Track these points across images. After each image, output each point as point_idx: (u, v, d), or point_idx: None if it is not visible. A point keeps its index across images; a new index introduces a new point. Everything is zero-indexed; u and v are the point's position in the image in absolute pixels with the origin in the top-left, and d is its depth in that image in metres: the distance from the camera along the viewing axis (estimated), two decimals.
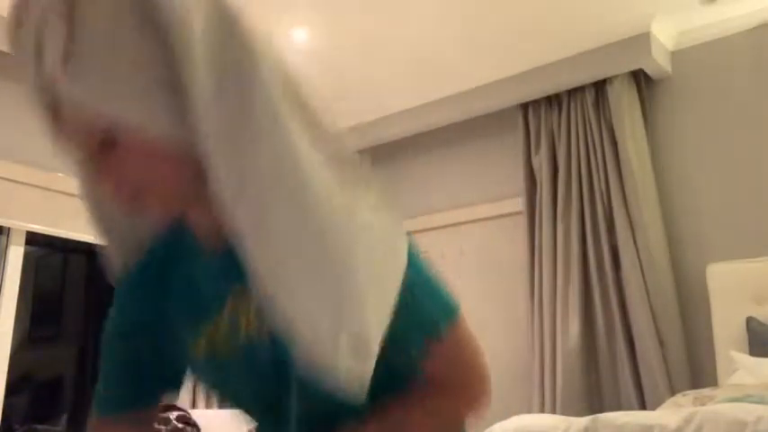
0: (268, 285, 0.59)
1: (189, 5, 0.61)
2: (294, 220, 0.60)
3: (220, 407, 2.93)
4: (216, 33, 0.63)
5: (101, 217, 0.77)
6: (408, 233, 0.76)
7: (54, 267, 3.50)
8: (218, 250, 0.73)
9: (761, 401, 1.54)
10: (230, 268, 0.68)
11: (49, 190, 3.02)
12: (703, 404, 1.77)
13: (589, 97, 3.11)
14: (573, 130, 3.13)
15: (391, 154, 3.95)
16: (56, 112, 0.64)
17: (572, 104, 3.17)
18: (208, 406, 3.24)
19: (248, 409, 0.79)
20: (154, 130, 0.62)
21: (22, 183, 2.93)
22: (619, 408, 2.66)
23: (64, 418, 3.25)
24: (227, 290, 0.73)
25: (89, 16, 0.60)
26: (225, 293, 0.73)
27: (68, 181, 3.08)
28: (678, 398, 2.11)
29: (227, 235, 0.64)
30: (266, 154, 0.61)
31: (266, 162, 0.60)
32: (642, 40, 2.93)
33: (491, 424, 1.81)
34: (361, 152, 4.07)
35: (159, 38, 0.61)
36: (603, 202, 2.97)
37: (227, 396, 0.80)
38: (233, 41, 0.64)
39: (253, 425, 0.80)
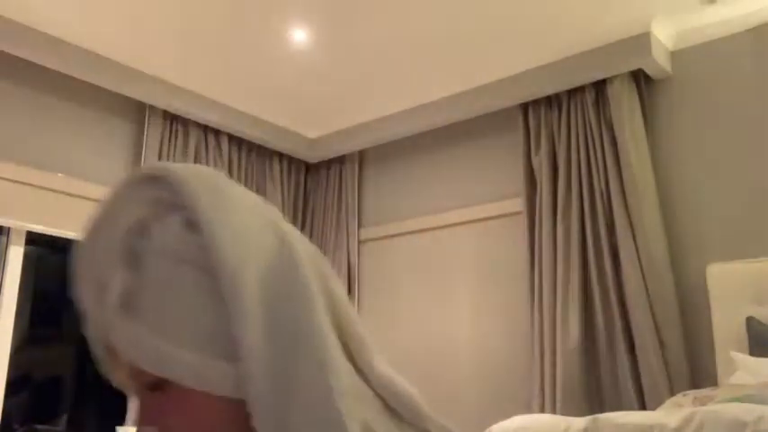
0: None
1: (244, 256, 0.61)
2: None
3: None
4: (270, 284, 0.62)
5: None
6: None
7: (54, 267, 3.50)
8: None
9: (761, 401, 1.54)
10: None
11: (49, 190, 3.02)
12: (703, 404, 1.77)
13: (589, 97, 3.11)
14: (573, 130, 3.13)
15: (391, 154, 3.95)
16: (110, 350, 0.64)
17: (572, 104, 3.17)
18: None
19: None
20: (205, 380, 0.61)
21: (22, 183, 2.93)
22: (619, 408, 2.65)
23: (64, 418, 3.25)
24: None
25: (153, 266, 0.60)
26: None
27: (68, 181, 3.08)
28: (678, 398, 2.12)
29: None
30: (311, 414, 0.60)
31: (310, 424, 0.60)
32: (642, 40, 2.93)
33: (491, 424, 1.81)
34: (361, 152, 4.08)
35: (214, 289, 0.61)
36: (603, 202, 2.97)
37: None
38: (288, 290, 0.62)
39: None
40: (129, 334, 0.59)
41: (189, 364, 0.59)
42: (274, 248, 0.63)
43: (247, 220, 0.64)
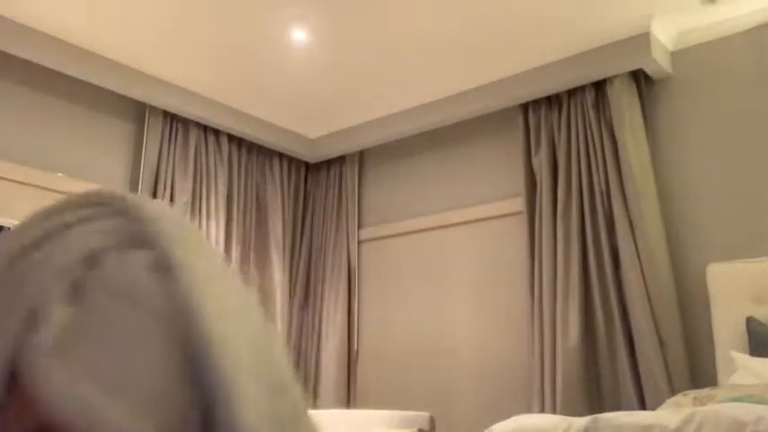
0: None
1: (233, 324, 0.51)
2: None
3: None
4: (263, 367, 0.52)
5: None
6: None
7: None
8: None
9: (761, 401, 1.54)
10: None
11: (49, 190, 3.02)
12: (703, 404, 1.77)
13: (589, 97, 3.11)
14: (573, 130, 3.13)
15: (391, 154, 3.95)
16: (10, 386, 0.49)
17: (572, 104, 3.17)
18: None
19: None
20: None
21: (22, 183, 2.93)
22: (619, 408, 2.65)
23: None
24: None
25: (100, 305, 0.49)
26: None
27: (68, 181, 3.09)
28: (678, 398, 2.11)
29: None
30: None
31: None
32: (642, 40, 2.93)
33: (491, 424, 1.81)
34: (361, 152, 4.08)
35: (174, 347, 0.49)
36: (603, 202, 2.97)
37: None
38: (281, 379, 0.54)
39: None
40: (55, 377, 0.47)
41: (119, 425, 0.47)
42: (259, 325, 0.54)
43: (233, 281, 0.54)
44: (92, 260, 0.49)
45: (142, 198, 0.52)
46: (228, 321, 0.49)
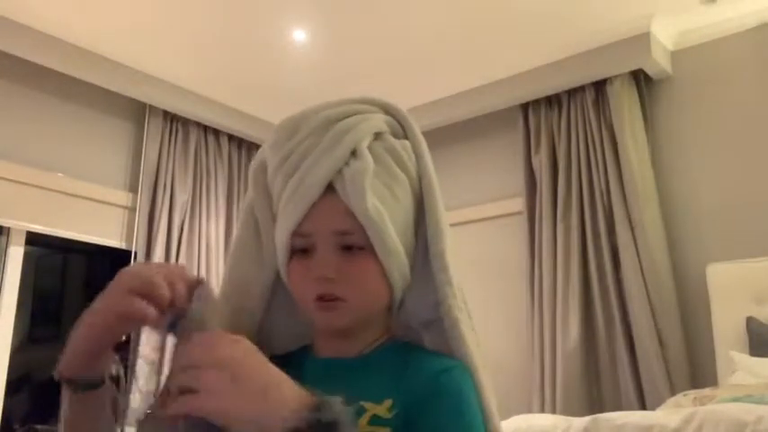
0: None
1: (433, 180, 0.88)
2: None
3: None
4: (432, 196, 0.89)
5: (277, 306, 0.86)
6: None
7: (54, 267, 3.50)
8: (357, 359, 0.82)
9: (761, 401, 1.54)
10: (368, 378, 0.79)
11: (49, 190, 3.02)
12: (703, 404, 1.77)
13: (589, 97, 3.11)
14: (573, 130, 3.13)
15: None
16: (325, 194, 0.76)
17: (572, 104, 3.17)
18: None
19: None
20: (394, 257, 0.78)
21: (22, 183, 2.93)
22: (619, 408, 2.65)
23: None
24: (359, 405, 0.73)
25: (387, 162, 0.80)
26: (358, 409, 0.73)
27: (68, 181, 3.09)
28: (678, 398, 2.11)
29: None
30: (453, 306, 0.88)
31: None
32: (642, 40, 2.93)
33: None
34: None
35: (413, 200, 0.85)
36: (603, 202, 2.97)
37: None
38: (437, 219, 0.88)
39: None
40: (369, 199, 0.74)
41: (394, 241, 0.77)
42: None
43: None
44: (378, 135, 0.81)
45: (397, 104, 0.87)
46: (434, 193, 0.88)
